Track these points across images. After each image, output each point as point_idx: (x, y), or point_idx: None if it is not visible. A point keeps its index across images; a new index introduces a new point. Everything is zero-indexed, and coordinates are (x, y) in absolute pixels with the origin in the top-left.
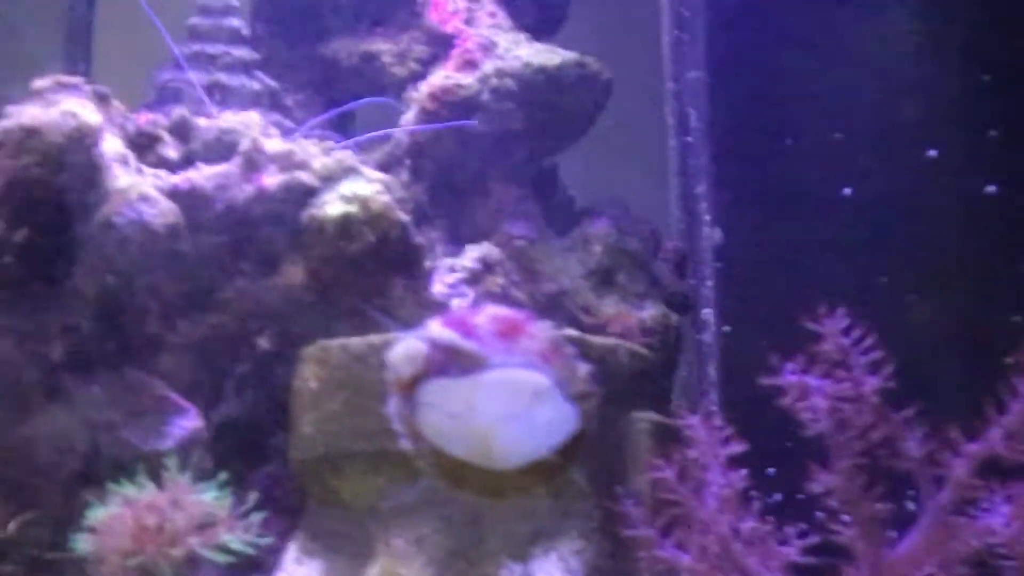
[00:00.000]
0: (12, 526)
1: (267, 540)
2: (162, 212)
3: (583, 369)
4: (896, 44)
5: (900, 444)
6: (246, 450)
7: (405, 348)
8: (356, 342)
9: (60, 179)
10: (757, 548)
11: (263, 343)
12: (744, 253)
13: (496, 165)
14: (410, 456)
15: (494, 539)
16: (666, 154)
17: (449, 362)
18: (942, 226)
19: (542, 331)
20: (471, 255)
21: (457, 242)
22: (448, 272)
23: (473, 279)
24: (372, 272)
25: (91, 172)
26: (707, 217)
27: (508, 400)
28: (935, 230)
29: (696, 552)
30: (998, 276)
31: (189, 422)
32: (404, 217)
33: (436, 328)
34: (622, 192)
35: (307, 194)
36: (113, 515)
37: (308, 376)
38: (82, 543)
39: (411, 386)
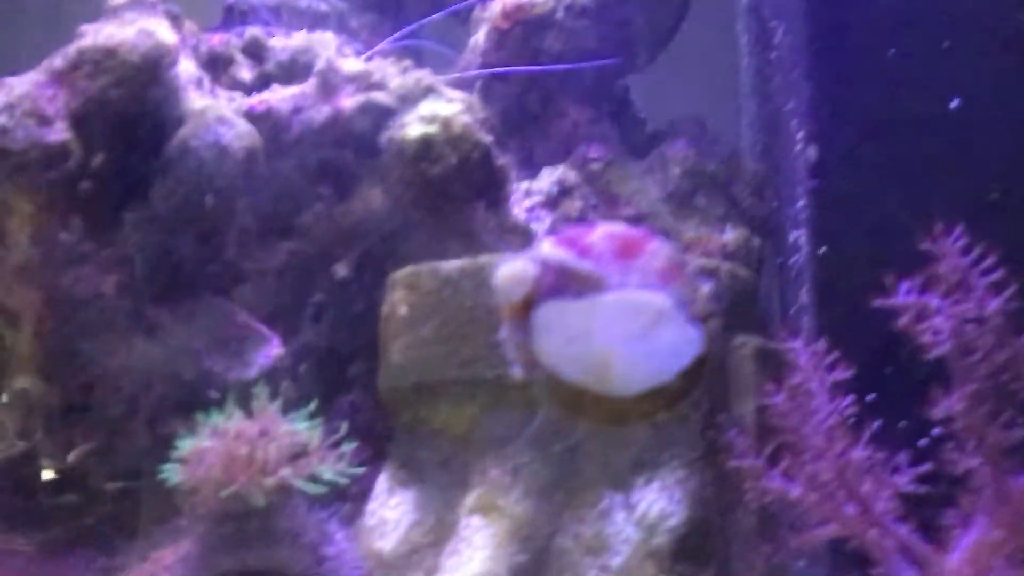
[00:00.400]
0: (72, 456)
1: (359, 470)
2: (239, 135)
3: (705, 288)
4: None
5: None
6: (327, 378)
7: (512, 270)
8: (448, 266)
9: (138, 101)
10: (869, 477)
11: (341, 269)
12: (843, 170)
13: (570, 85)
14: (505, 384)
15: (592, 469)
16: (736, 73)
17: (564, 284)
18: None
19: (661, 249)
20: (548, 178)
21: (531, 165)
22: (525, 196)
23: (550, 203)
24: (454, 195)
25: (169, 95)
26: (799, 134)
27: (628, 322)
28: None
29: (805, 482)
30: None
31: (272, 350)
32: (486, 138)
33: (548, 248)
34: (687, 111)
35: (385, 115)
36: (203, 445)
37: (398, 301)
38: (172, 473)
39: (524, 310)
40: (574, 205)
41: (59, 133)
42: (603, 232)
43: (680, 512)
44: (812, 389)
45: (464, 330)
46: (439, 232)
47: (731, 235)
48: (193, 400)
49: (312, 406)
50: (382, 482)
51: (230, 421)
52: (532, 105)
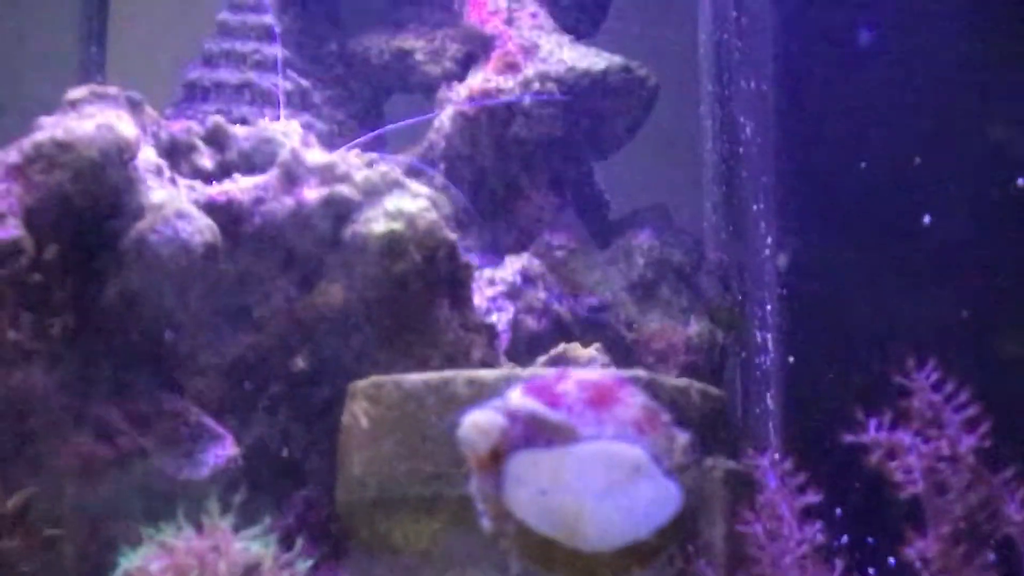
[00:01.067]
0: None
1: None
2: (199, 229)
3: (682, 438)
4: (988, 63)
5: (1000, 507)
6: (280, 474)
7: (478, 421)
8: (411, 380)
9: (94, 196)
10: None
11: (300, 363)
12: (815, 281)
13: (535, 171)
14: (469, 503)
15: None
16: (699, 157)
17: (534, 434)
18: None
19: (636, 398)
20: (511, 267)
21: (495, 251)
22: (488, 285)
23: (513, 293)
24: (418, 293)
25: (126, 187)
26: (768, 239)
27: (603, 475)
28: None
29: None
30: None
31: (224, 450)
32: (451, 236)
33: (518, 398)
34: (650, 197)
35: (349, 208)
36: (149, 562)
37: (358, 413)
38: None
39: (492, 462)
40: (537, 296)
41: (11, 230)
42: (575, 380)
43: None
44: (781, 513)
45: (427, 447)
46: (402, 329)
47: (695, 328)
48: (141, 502)
49: (267, 521)
50: None
51: (178, 536)
52: (497, 190)
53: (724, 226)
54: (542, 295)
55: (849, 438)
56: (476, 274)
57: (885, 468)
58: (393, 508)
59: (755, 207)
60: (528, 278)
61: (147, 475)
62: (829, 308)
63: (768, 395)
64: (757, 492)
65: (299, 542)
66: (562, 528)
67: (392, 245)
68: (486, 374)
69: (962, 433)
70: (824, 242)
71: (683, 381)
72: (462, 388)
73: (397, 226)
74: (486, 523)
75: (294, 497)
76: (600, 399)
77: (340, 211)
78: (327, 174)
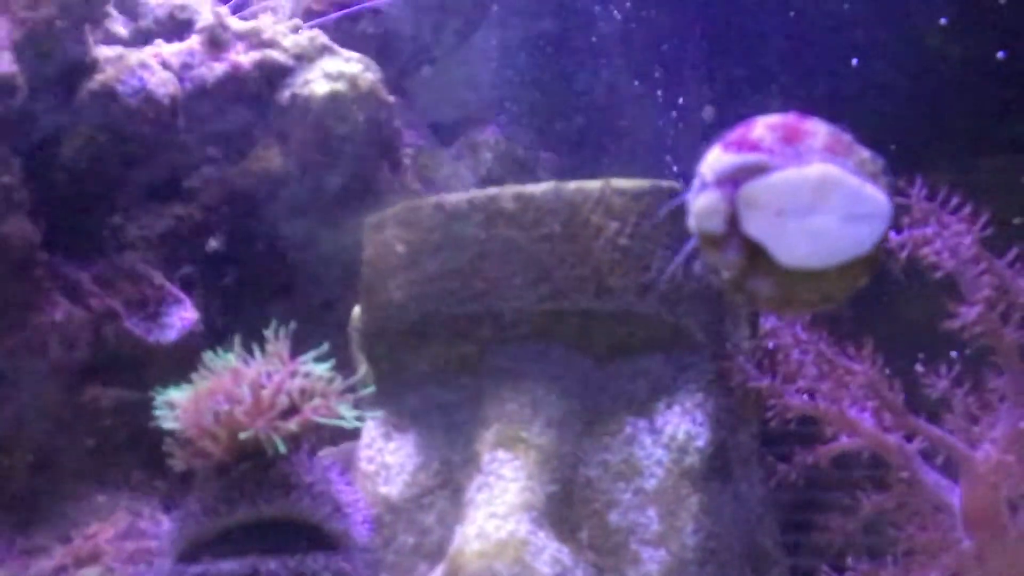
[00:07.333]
0: None
1: (377, 413)
2: (163, 81)
3: (865, 152)
4: None
5: (1011, 283)
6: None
7: (705, 207)
8: (453, 200)
9: (78, 37)
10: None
11: (214, 242)
12: None
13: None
14: (518, 316)
15: (609, 399)
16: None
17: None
18: None
19: (820, 125)
20: None
21: None
22: None
23: None
24: (360, 155)
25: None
26: None
27: (825, 196)
28: None
29: (824, 396)
30: None
31: (188, 313)
32: (390, 98)
33: (719, 158)
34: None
35: (282, 73)
36: (204, 390)
37: (391, 240)
38: (167, 420)
39: (730, 230)
40: None
41: (6, 65)
42: (763, 124)
43: (704, 433)
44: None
45: (474, 264)
46: (346, 193)
47: None
48: (112, 364)
49: (324, 347)
50: (374, 429)
51: (229, 365)
52: None
53: None
54: None
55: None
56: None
57: (918, 256)
58: (433, 329)
59: None
60: None
61: (119, 338)
62: None
63: None
64: None
65: (362, 367)
66: (800, 253)
67: (335, 105)
68: (532, 188)
69: (965, 226)
70: None
71: None
72: (509, 203)
73: (339, 87)
74: (730, 288)
75: None
76: (792, 134)
77: (273, 76)
78: (253, 39)
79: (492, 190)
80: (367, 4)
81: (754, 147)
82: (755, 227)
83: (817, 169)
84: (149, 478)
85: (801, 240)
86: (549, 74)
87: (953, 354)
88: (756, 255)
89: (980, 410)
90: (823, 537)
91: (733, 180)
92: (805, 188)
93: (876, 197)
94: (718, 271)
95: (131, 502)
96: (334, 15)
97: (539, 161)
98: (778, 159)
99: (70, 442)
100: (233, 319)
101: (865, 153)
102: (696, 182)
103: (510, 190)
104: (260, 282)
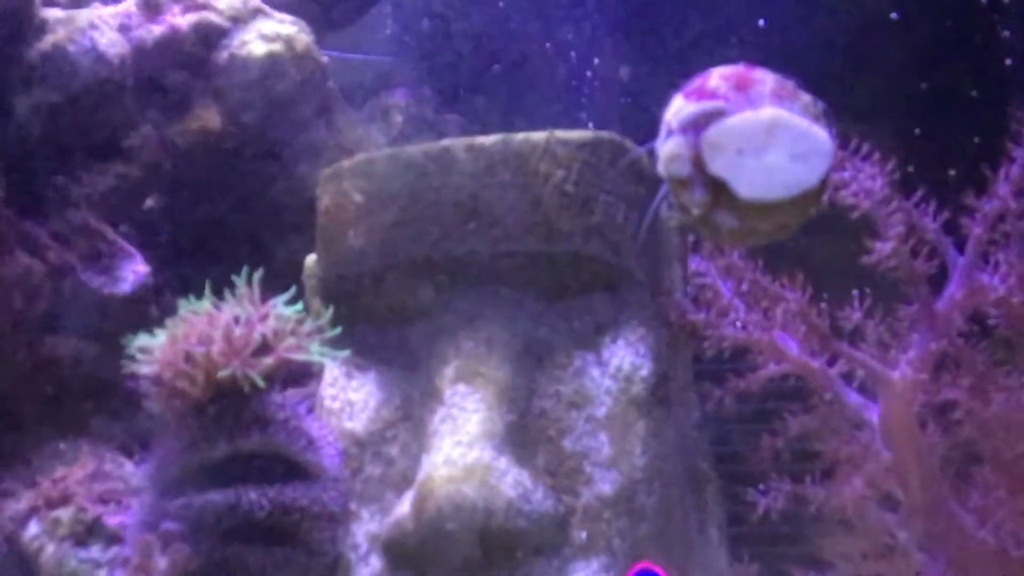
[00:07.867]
0: None
1: (344, 352)
2: (113, 42)
3: (807, 96)
4: None
5: (916, 221)
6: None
7: (668, 153)
8: (408, 151)
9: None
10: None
11: (151, 200)
12: None
13: None
14: (471, 260)
15: (559, 335)
16: None
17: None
18: None
19: (766, 74)
20: None
21: None
22: None
23: None
24: (297, 114)
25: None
26: None
27: (776, 134)
28: None
29: (755, 326)
30: None
31: (139, 266)
32: (324, 58)
33: (681, 106)
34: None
35: (219, 35)
36: (187, 332)
37: (349, 190)
38: (142, 365)
39: (695, 171)
40: None
41: None
42: (717, 75)
43: (647, 364)
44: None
45: (431, 211)
46: (284, 150)
47: None
48: (70, 318)
49: (292, 291)
50: (336, 368)
51: (203, 310)
52: None
53: None
54: None
55: None
56: None
57: (837, 198)
58: (391, 275)
59: None
60: None
61: (76, 290)
62: None
63: None
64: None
65: (330, 307)
66: (758, 186)
67: (272, 65)
68: (483, 139)
69: (875, 170)
70: None
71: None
72: (461, 154)
73: (276, 47)
74: (699, 226)
75: None
76: (744, 82)
77: (210, 37)
78: (188, 2)
79: (446, 141)
80: None
81: (712, 95)
82: (719, 165)
83: (768, 112)
84: (107, 425)
85: (758, 175)
86: (459, 36)
87: (855, 292)
88: (720, 192)
89: (891, 338)
90: (754, 456)
91: (695, 126)
92: (759, 129)
93: (820, 135)
94: (687, 210)
95: (92, 448)
96: None
97: (446, 123)
98: (733, 104)
99: (30, 391)
100: (170, 277)
101: (807, 97)
102: (662, 130)
103: (462, 141)
104: (197, 241)
